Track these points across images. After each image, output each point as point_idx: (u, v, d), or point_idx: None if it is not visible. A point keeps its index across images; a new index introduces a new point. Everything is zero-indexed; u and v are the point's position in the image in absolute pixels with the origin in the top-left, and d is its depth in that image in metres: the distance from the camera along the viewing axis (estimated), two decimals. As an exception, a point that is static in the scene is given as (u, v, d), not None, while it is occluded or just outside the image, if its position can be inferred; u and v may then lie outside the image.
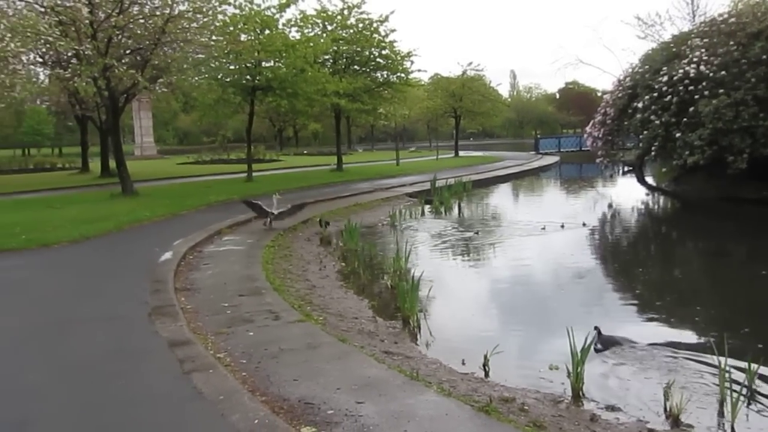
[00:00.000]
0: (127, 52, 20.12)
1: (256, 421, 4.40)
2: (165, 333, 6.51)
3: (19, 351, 6.22)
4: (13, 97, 19.44)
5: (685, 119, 20.10)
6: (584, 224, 15.84)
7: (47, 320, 7.20)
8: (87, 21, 17.98)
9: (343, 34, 29.18)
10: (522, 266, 11.58)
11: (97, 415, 4.66)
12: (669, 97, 20.80)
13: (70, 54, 20.47)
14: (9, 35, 13.30)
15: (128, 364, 5.68)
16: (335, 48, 28.98)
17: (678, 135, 20.20)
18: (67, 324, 7.02)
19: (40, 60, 22.80)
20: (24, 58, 20.53)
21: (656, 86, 21.47)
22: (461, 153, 50.43)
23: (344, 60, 30.26)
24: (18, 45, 13.75)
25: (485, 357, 6.42)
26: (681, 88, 20.39)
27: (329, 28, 29.01)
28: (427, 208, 20.18)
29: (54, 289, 8.92)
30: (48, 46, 18.88)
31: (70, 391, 5.13)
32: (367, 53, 30.08)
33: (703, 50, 20.73)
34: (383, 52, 30.37)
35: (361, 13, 29.15)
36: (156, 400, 4.89)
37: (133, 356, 5.90)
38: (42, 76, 28.22)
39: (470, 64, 47.76)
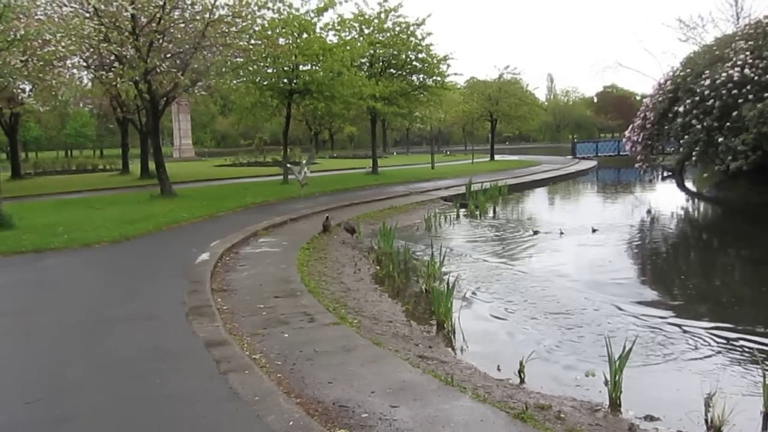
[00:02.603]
0: (168, 56, 20.47)
1: (291, 423, 4.42)
2: (202, 333, 6.59)
3: (60, 348, 6.35)
4: (57, 99, 19.92)
5: (728, 124, 19.67)
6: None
7: (88, 318, 7.35)
8: (129, 25, 18.38)
9: (380, 38, 29.24)
10: (558, 271, 11.42)
11: (136, 413, 4.74)
12: (711, 101, 20.38)
13: (112, 58, 20.91)
14: (56, 38, 13.64)
15: (166, 363, 5.76)
16: (372, 51, 29.07)
17: (720, 140, 19.77)
18: (106, 322, 7.15)
19: (84, 64, 23.32)
20: (69, 62, 21.06)
21: (698, 90, 21.06)
22: (497, 157, 50.08)
23: (381, 63, 30.31)
24: (65, 47, 14.11)
25: (521, 363, 6.34)
26: (724, 91, 19.96)
27: (366, 31, 29.09)
28: (462, 211, 20.08)
29: (94, 288, 9.11)
30: (92, 50, 19.32)
31: (109, 389, 5.22)
32: (403, 56, 30.08)
33: (747, 53, 20.26)
34: (420, 56, 30.33)
35: (398, 16, 29.21)
36: (193, 399, 4.94)
37: (171, 356, 5.99)
38: (85, 80, 28.86)
39: (507, 67, 47.55)
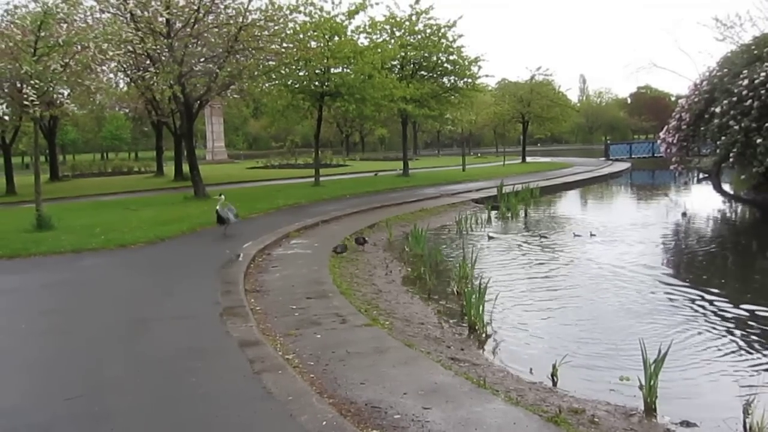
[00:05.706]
0: (201, 60, 20.76)
1: (324, 423, 4.45)
2: (236, 333, 6.67)
3: (97, 347, 6.48)
4: (94, 102, 20.33)
5: (766, 124, 19.24)
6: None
7: (125, 318, 7.49)
8: (165, 29, 18.70)
9: (411, 40, 29.20)
10: (591, 274, 11.30)
11: (172, 411, 4.82)
12: (749, 101, 19.93)
13: (147, 62, 21.29)
14: (95, 43, 13.93)
15: (201, 362, 5.84)
16: (403, 54, 29.05)
17: (759, 141, 19.33)
18: (142, 322, 7.28)
19: (121, 68, 23.76)
20: (105, 66, 21.49)
21: (736, 90, 20.62)
22: (528, 159, 49.65)
23: (412, 66, 30.26)
24: (103, 52, 14.41)
25: (554, 366, 6.30)
26: (763, 91, 19.50)
27: (397, 34, 29.07)
28: (493, 214, 19.97)
29: (131, 288, 9.28)
30: (129, 54, 19.67)
31: (146, 387, 5.32)
32: (434, 59, 30.00)
33: (787, 52, 19.81)
34: (451, 58, 30.20)
35: (429, 18, 29.12)
36: (227, 398, 5.00)
37: (206, 355, 6.07)
38: (121, 83, 29.36)
39: (539, 68, 47.16)
